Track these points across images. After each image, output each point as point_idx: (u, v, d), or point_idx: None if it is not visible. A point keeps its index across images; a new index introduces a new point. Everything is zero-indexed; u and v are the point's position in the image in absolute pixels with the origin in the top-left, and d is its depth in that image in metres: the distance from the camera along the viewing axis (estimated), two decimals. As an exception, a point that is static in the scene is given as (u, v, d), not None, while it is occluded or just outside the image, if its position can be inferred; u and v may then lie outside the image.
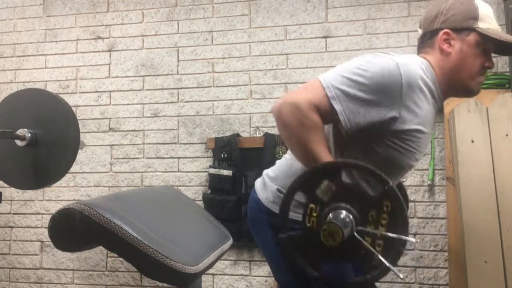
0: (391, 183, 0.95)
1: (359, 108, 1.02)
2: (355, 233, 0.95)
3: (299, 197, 1.11)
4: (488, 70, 1.23)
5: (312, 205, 1.00)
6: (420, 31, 1.24)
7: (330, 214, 0.97)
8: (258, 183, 1.31)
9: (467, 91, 1.19)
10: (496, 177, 1.79)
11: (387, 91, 1.02)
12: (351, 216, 0.96)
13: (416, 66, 1.07)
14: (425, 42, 1.20)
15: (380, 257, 0.93)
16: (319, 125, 1.02)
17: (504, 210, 1.74)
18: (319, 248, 0.97)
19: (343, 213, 0.96)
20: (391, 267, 0.92)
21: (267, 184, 1.24)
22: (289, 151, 1.28)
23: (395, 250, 0.95)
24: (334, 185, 0.99)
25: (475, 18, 1.12)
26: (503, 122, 1.85)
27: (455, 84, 1.16)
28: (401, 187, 1.43)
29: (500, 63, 2.28)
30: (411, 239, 0.93)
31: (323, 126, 1.05)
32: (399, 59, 1.05)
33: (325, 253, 0.99)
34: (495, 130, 1.85)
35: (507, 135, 1.84)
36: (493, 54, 1.18)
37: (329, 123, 1.13)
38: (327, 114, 1.03)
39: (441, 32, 1.15)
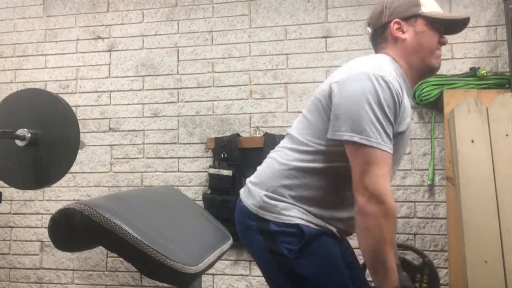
0: None
1: (392, 135, 1.09)
2: None
3: (290, 197, 1.15)
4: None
5: None
6: (369, 30, 1.30)
7: None
8: (242, 191, 1.31)
9: (430, 69, 1.25)
10: (496, 177, 1.79)
11: (397, 106, 1.09)
12: None
13: (389, 68, 1.14)
14: (378, 38, 1.27)
15: None
16: (395, 214, 1.08)
17: (504, 210, 1.74)
18: None
19: None
20: None
21: (252, 191, 1.25)
22: (269, 155, 1.30)
23: None
24: None
25: (417, 4, 1.21)
26: (503, 122, 1.85)
27: (418, 66, 1.23)
28: (434, 275, 1.50)
29: (500, 63, 2.29)
30: None
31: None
32: (379, 71, 1.09)
33: None
34: (495, 130, 1.85)
35: (507, 135, 1.84)
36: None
37: None
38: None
39: (392, 23, 1.22)
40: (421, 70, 1.24)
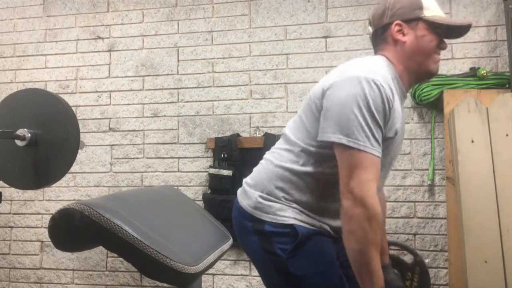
0: None
1: (381, 138, 1.08)
2: None
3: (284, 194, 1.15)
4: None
5: None
6: (370, 29, 1.30)
7: None
8: (239, 192, 1.32)
9: (427, 73, 1.24)
10: (496, 177, 1.79)
11: (386, 109, 1.08)
12: None
13: (383, 72, 1.13)
14: (378, 38, 1.26)
15: None
16: (379, 218, 1.05)
17: (504, 210, 1.74)
18: None
19: None
20: None
21: (248, 192, 1.26)
22: (264, 157, 1.30)
23: None
24: None
25: (420, 7, 1.19)
26: (503, 122, 1.85)
27: (415, 70, 1.22)
28: (423, 271, 1.50)
29: (500, 63, 2.28)
30: None
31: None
32: (372, 74, 1.09)
33: None
34: (495, 130, 1.85)
35: (507, 135, 1.84)
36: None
37: None
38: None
39: (393, 24, 1.21)
40: (418, 74, 1.23)
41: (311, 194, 1.18)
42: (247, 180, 1.31)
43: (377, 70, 1.11)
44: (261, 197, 1.21)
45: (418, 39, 1.19)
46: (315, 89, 1.20)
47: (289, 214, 1.17)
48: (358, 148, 1.04)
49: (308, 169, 1.16)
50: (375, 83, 1.06)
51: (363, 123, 1.04)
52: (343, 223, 1.08)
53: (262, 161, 1.30)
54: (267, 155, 1.30)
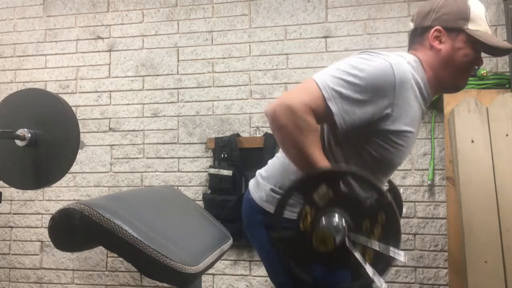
0: (389, 197, 0.95)
1: (354, 109, 1.03)
2: (347, 241, 0.95)
3: (296, 196, 1.11)
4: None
5: (307, 208, 1.00)
6: (411, 25, 1.25)
7: (324, 219, 0.97)
8: (251, 183, 1.31)
9: (454, 87, 1.22)
10: (496, 177, 1.79)
11: (381, 91, 1.03)
12: (344, 223, 0.96)
13: (408, 66, 1.08)
14: (416, 38, 1.21)
15: (367, 268, 0.93)
16: (314, 127, 1.02)
17: (504, 210, 1.74)
18: (311, 251, 0.97)
19: (337, 219, 0.97)
20: (375, 279, 0.92)
21: (260, 184, 1.25)
22: (281, 150, 1.28)
23: (384, 261, 0.95)
24: (332, 191, 0.99)
25: (466, 19, 1.13)
26: (503, 122, 1.85)
27: (443, 81, 1.17)
28: (396, 193, 1.43)
29: (500, 63, 2.28)
30: (400, 255, 0.91)
31: (318, 129, 1.05)
32: (392, 59, 1.06)
33: (316, 257, 0.99)
34: (495, 130, 1.85)
35: (507, 135, 1.84)
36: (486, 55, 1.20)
37: (323, 123, 1.13)
38: (322, 115, 1.03)
39: (432, 29, 1.16)
40: (445, 85, 1.19)
41: None
42: (261, 172, 1.29)
43: (403, 61, 1.07)
44: (272, 190, 1.20)
45: (455, 50, 1.14)
46: None
47: (298, 210, 1.17)
48: (318, 83, 1.02)
49: None
50: (391, 66, 1.03)
51: (339, 75, 1.03)
52: (271, 126, 1.05)
53: (278, 154, 1.29)
54: None
